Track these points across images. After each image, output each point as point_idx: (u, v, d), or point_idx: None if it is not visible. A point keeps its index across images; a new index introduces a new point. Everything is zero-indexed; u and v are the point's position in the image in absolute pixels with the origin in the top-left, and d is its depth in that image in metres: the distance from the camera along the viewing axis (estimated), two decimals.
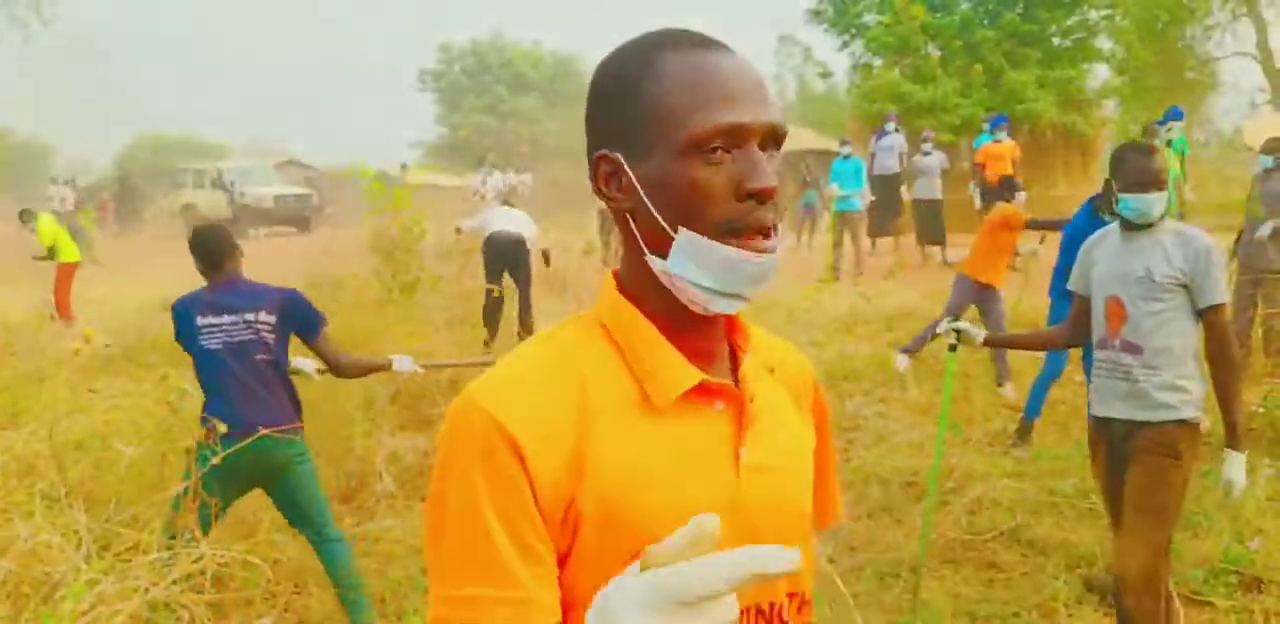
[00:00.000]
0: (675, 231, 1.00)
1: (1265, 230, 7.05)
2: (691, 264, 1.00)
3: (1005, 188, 8.35)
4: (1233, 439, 3.22)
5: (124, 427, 5.40)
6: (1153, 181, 3.20)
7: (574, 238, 12.16)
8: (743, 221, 0.99)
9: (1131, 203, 3.23)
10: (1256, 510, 4.60)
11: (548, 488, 0.96)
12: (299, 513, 3.95)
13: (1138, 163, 3.23)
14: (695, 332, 1.07)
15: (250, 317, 3.84)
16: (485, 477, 0.95)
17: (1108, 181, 3.37)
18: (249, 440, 3.66)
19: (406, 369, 4.23)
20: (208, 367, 3.83)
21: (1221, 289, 3.20)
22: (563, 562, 0.98)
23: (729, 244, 0.99)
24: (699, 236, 0.99)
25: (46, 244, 11.84)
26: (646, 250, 1.04)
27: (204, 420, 3.77)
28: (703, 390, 1.04)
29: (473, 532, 0.95)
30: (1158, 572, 3.13)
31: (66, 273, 11.72)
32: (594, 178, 1.05)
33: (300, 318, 3.92)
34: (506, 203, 9.58)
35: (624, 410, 1.01)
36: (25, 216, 12.78)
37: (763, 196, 0.99)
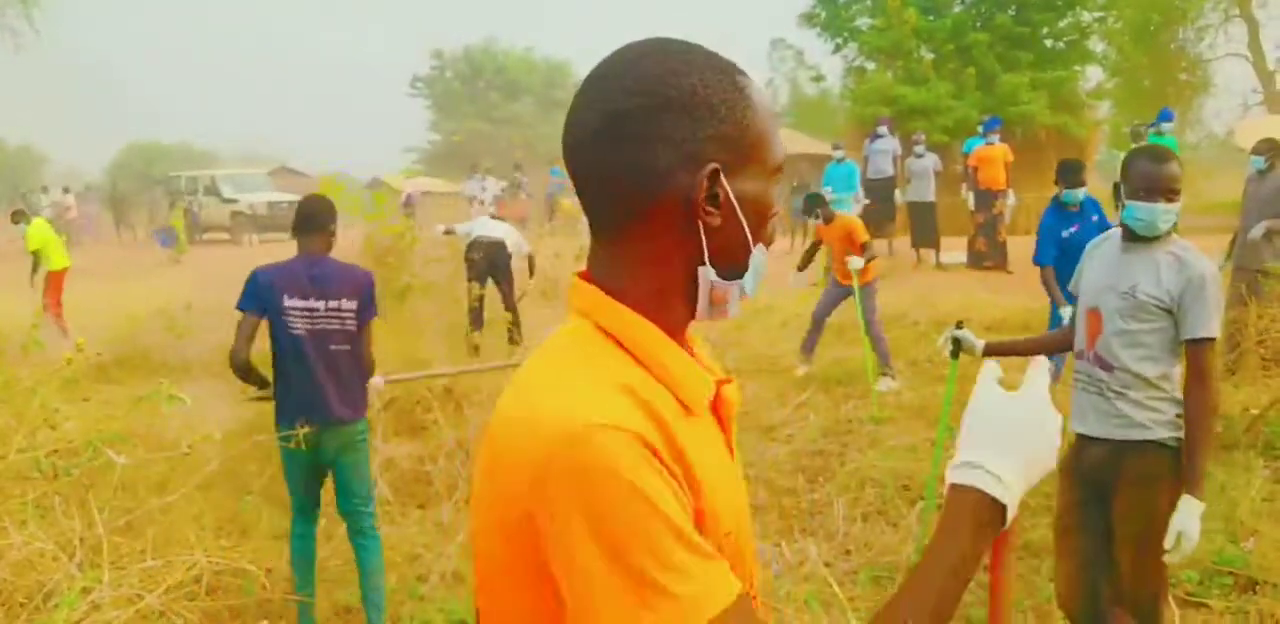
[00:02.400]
0: (754, 247, 1.10)
1: (1258, 231, 7.09)
2: (756, 276, 1.12)
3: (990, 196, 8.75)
4: (1193, 486, 2.91)
5: (117, 434, 5.38)
6: (1161, 190, 2.96)
7: (566, 244, 12.16)
8: (770, 239, 1.13)
9: (1135, 211, 3.00)
10: (1251, 511, 4.60)
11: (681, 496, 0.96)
12: (350, 495, 4.10)
13: (1146, 169, 3.00)
14: (681, 337, 1.11)
15: (331, 303, 3.92)
16: (659, 487, 0.92)
17: (1116, 185, 3.16)
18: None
19: (378, 386, 4.45)
20: (301, 350, 3.88)
21: (1211, 324, 2.94)
22: None
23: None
24: (764, 250, 1.12)
25: (32, 248, 11.79)
26: (708, 262, 1.07)
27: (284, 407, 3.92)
28: None
29: (679, 531, 0.91)
30: (1159, 598, 3.05)
31: (56, 279, 11.69)
32: (696, 189, 1.03)
33: (370, 302, 4.02)
34: (495, 216, 9.78)
35: (677, 418, 1.02)
36: (17, 217, 12.69)
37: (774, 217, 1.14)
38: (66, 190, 27.70)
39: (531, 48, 53.70)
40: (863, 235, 7.82)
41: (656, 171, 1.03)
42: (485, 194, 18.84)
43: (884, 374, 7.83)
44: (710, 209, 1.04)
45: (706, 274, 1.07)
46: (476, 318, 9.03)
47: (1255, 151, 7.45)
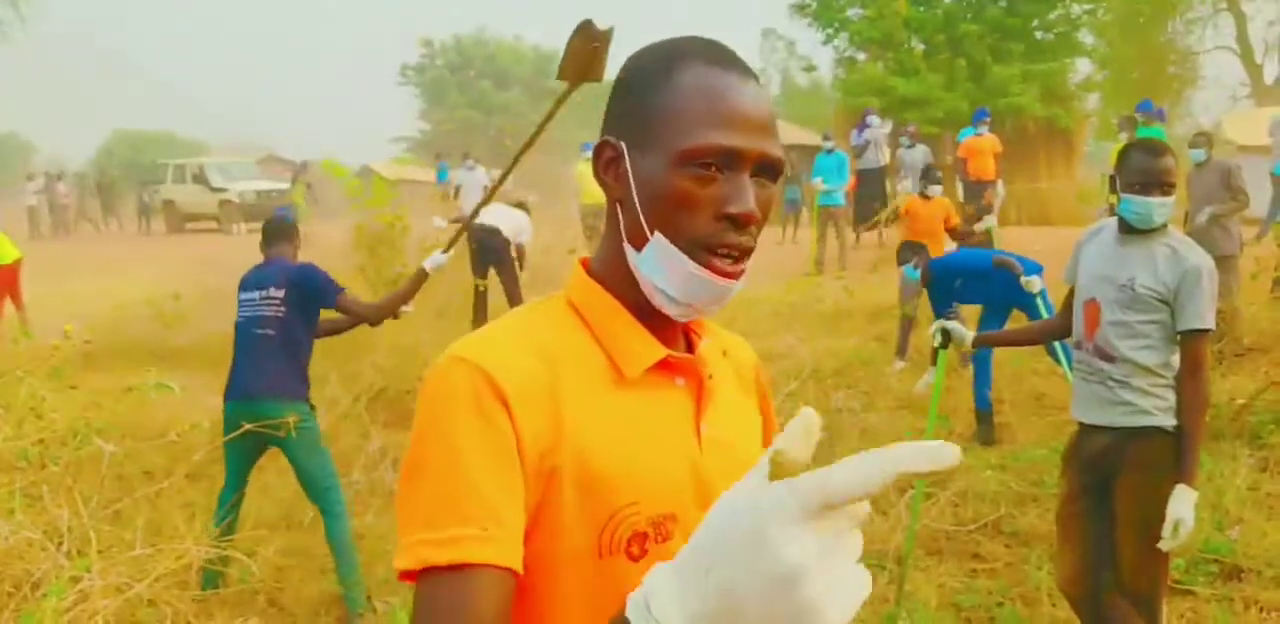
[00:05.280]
0: (651, 233, 1.03)
1: (1202, 217, 7.36)
2: (659, 269, 1.04)
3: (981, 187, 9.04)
4: (1188, 476, 2.95)
5: (105, 423, 5.37)
6: (1156, 184, 2.99)
7: (557, 233, 12.13)
8: (716, 240, 1.02)
9: (1131, 204, 3.03)
10: (1236, 500, 4.63)
11: (529, 438, 0.98)
12: (304, 479, 4.17)
13: (1141, 162, 3.02)
14: (657, 317, 1.10)
15: (263, 293, 4.17)
16: (469, 421, 0.97)
17: (1112, 177, 3.17)
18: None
19: (439, 263, 4.38)
20: (236, 337, 4.21)
21: (1205, 315, 2.97)
22: (537, 516, 1.00)
23: (697, 260, 1.02)
24: (670, 245, 1.03)
25: None
26: (625, 239, 1.07)
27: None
28: (666, 365, 1.09)
29: (456, 475, 0.96)
30: (1159, 583, 3.09)
31: (8, 273, 11.23)
32: (595, 160, 1.09)
33: (311, 288, 4.15)
34: (520, 204, 9.71)
35: (594, 380, 1.05)
36: None
37: (740, 221, 1.02)
38: (58, 176, 27.41)
39: (520, 36, 53.41)
40: (955, 219, 8.03)
41: (595, 149, 1.11)
42: (466, 184, 18.61)
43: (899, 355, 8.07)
44: (606, 180, 1.08)
45: (628, 254, 1.07)
46: (478, 311, 8.90)
47: (1192, 145, 7.81)
